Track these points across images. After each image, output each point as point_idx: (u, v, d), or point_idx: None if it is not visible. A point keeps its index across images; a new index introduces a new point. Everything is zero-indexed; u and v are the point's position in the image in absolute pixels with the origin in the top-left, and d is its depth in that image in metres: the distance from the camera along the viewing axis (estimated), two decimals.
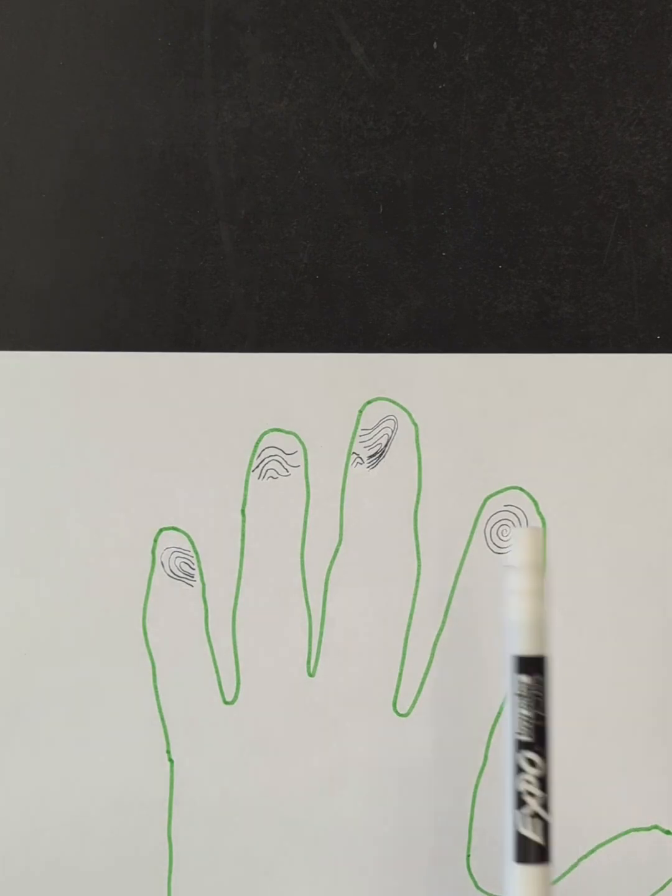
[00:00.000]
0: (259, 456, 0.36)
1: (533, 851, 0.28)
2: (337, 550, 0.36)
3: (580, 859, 0.35)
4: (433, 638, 0.36)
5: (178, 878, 0.35)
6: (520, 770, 0.28)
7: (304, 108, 0.37)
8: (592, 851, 0.35)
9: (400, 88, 0.38)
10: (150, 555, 0.36)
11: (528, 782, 0.28)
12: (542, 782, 0.28)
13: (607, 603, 0.36)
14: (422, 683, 0.36)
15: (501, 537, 0.36)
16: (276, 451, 0.36)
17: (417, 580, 0.36)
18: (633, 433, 0.36)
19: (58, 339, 0.37)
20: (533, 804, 0.28)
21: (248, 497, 0.36)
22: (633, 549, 0.36)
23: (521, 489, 0.36)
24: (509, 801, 0.29)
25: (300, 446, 0.36)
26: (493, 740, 0.35)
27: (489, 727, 0.35)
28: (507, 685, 0.29)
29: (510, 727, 0.29)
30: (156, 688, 0.36)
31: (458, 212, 0.37)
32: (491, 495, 0.36)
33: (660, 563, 0.36)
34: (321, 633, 0.36)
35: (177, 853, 0.35)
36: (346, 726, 0.35)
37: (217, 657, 0.36)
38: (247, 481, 0.36)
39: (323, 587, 0.36)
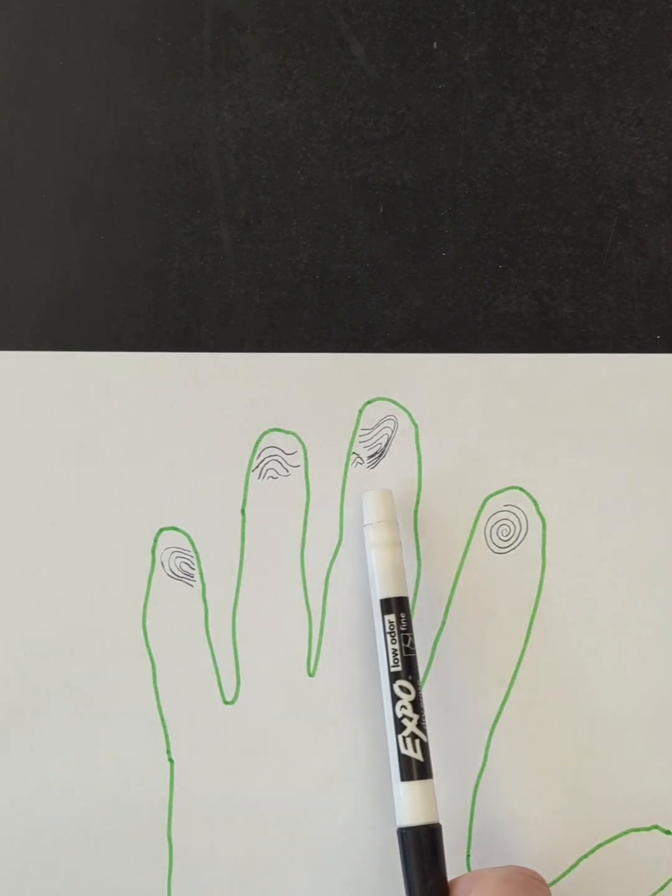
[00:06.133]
0: (259, 456, 0.36)
1: (415, 768, 0.32)
2: (337, 550, 0.36)
3: (580, 859, 0.35)
4: (433, 638, 0.36)
5: (178, 878, 0.35)
6: (396, 698, 0.32)
7: (304, 108, 0.37)
8: (592, 851, 0.35)
9: (400, 88, 0.38)
10: (150, 555, 0.36)
11: (404, 707, 0.32)
12: (415, 705, 0.32)
13: (607, 603, 0.36)
14: (422, 683, 0.35)
15: (501, 537, 0.36)
16: (276, 451, 0.36)
17: (417, 580, 0.36)
18: (633, 433, 0.36)
19: (58, 339, 0.37)
20: (410, 726, 0.32)
21: (248, 497, 0.36)
22: (633, 549, 0.36)
23: (521, 489, 0.36)
24: (390, 727, 0.32)
25: (300, 446, 0.36)
26: (493, 740, 0.35)
27: (489, 727, 0.35)
28: (376, 628, 0.34)
29: (383, 662, 0.33)
30: (156, 688, 0.36)
31: (458, 212, 0.37)
32: (491, 495, 0.36)
33: (660, 563, 0.36)
34: (321, 633, 0.36)
35: (177, 853, 0.35)
36: (346, 726, 0.35)
37: (217, 657, 0.36)
38: (247, 481, 0.36)
39: (323, 587, 0.36)
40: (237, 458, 0.36)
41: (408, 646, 0.33)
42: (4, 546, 0.36)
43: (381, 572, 0.34)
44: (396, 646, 0.33)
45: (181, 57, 0.38)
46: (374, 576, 0.34)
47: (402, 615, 0.33)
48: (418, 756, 0.32)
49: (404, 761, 0.32)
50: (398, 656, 0.33)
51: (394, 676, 0.33)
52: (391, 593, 0.33)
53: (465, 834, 0.35)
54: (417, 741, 0.32)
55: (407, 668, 0.33)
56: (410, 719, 0.32)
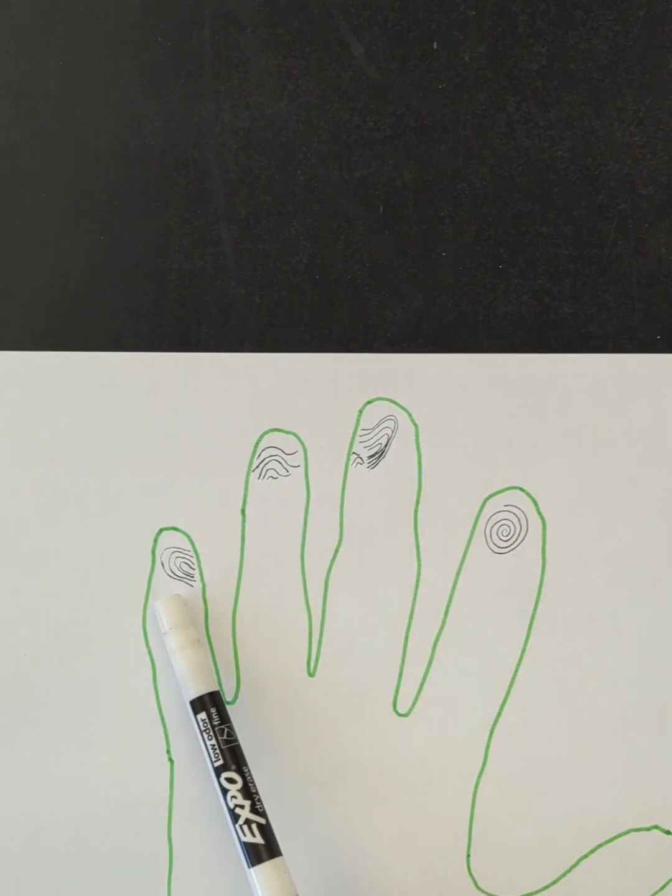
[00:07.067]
0: (259, 456, 0.36)
1: (261, 852, 0.32)
2: (337, 550, 0.36)
3: (580, 859, 0.35)
4: (433, 638, 0.36)
5: (178, 878, 0.35)
6: (225, 790, 0.33)
7: (304, 108, 0.37)
8: (592, 851, 0.35)
9: (400, 88, 0.38)
10: (150, 555, 0.36)
11: (234, 797, 0.33)
12: (246, 792, 0.33)
13: (607, 603, 0.36)
14: (422, 683, 0.36)
15: (501, 537, 0.36)
16: (276, 451, 0.36)
17: (417, 580, 0.36)
18: (633, 433, 0.36)
19: (58, 339, 0.37)
20: (244, 813, 0.32)
21: (248, 497, 0.36)
22: (633, 549, 0.36)
23: (521, 489, 0.36)
24: (228, 818, 0.33)
25: (300, 446, 0.36)
26: (493, 740, 0.35)
27: (489, 727, 0.35)
28: (194, 726, 0.34)
29: (206, 758, 0.33)
30: (156, 688, 0.36)
31: (458, 212, 0.37)
32: (491, 495, 0.36)
33: (660, 563, 0.36)
34: (321, 633, 0.36)
35: (177, 853, 0.35)
36: (346, 726, 0.35)
37: (217, 657, 0.36)
38: (247, 481, 0.36)
39: (323, 587, 0.36)
40: (237, 458, 0.36)
41: (226, 737, 0.33)
42: (4, 546, 0.36)
43: (187, 674, 0.34)
44: (214, 741, 0.33)
45: (181, 57, 0.38)
46: (181, 679, 0.34)
47: (214, 709, 0.34)
48: (259, 840, 0.32)
49: (249, 848, 0.32)
50: (219, 750, 0.33)
51: (219, 771, 0.33)
52: (200, 691, 0.34)
53: (465, 834, 0.35)
54: (255, 825, 0.32)
55: (230, 759, 0.33)
56: (242, 807, 0.32)
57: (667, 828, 0.35)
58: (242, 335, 0.37)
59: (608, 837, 0.35)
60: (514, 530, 0.36)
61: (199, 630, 0.35)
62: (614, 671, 0.36)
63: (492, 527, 0.36)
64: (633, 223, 0.37)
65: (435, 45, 0.38)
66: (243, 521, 0.36)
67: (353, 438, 0.36)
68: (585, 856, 0.35)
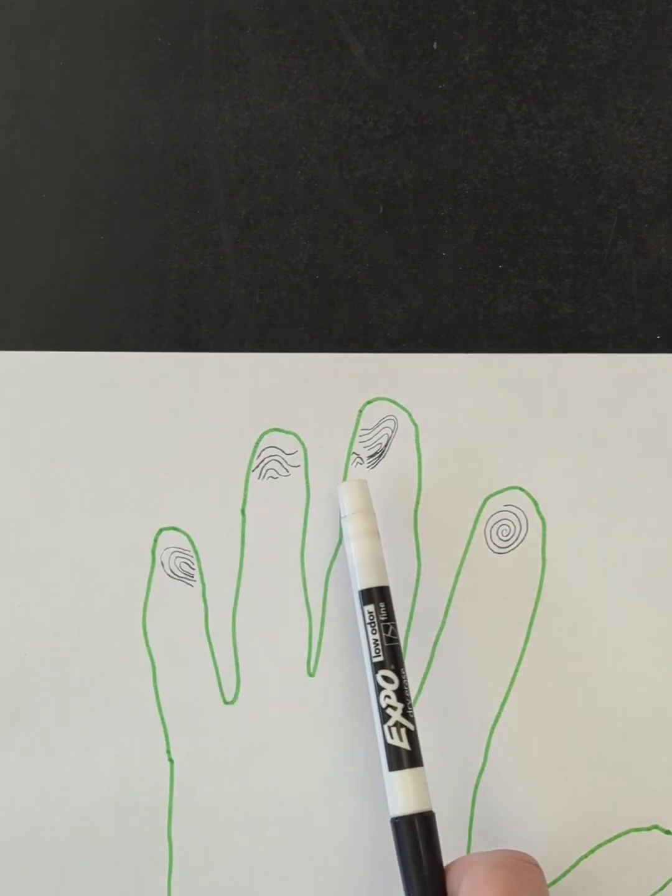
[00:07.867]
0: (259, 456, 0.36)
1: (404, 757, 0.32)
2: (337, 550, 0.36)
3: (580, 859, 0.35)
4: (433, 638, 0.36)
5: (178, 878, 0.35)
6: (379, 688, 0.32)
7: (304, 108, 0.37)
8: (592, 851, 0.35)
9: (400, 88, 0.38)
10: (150, 555, 0.36)
11: (388, 697, 0.32)
12: (400, 694, 0.32)
13: (607, 603, 0.36)
14: (422, 683, 0.36)
15: (501, 537, 0.36)
16: (276, 451, 0.36)
17: (417, 580, 0.36)
18: (633, 433, 0.36)
19: (58, 339, 0.37)
20: (395, 715, 0.32)
21: (248, 497, 0.36)
22: (633, 549, 0.36)
23: (521, 489, 0.36)
24: (376, 718, 0.32)
25: (300, 446, 0.36)
26: (493, 740, 0.35)
27: (489, 727, 0.35)
28: (358, 619, 0.33)
29: (366, 653, 0.33)
30: (156, 688, 0.36)
31: (458, 212, 0.37)
32: (491, 495, 0.36)
33: (660, 562, 0.36)
34: (321, 633, 0.36)
35: (177, 853, 0.35)
36: (345, 726, 0.35)
37: (217, 657, 0.36)
38: (247, 481, 0.36)
39: (323, 587, 0.36)
40: (237, 458, 0.36)
41: (389, 635, 0.33)
42: (4, 546, 0.36)
43: (359, 563, 0.34)
44: (377, 636, 0.33)
45: (181, 57, 0.38)
46: (353, 567, 0.34)
47: (383, 604, 0.33)
48: (405, 745, 0.32)
49: (392, 751, 0.32)
50: (380, 646, 0.33)
51: (376, 667, 0.32)
52: (371, 583, 0.33)
53: (465, 834, 0.35)
54: (403, 730, 0.32)
55: (390, 658, 0.32)
56: (395, 708, 0.32)
57: (667, 828, 0.35)
58: (242, 335, 0.37)
59: (608, 837, 0.35)
60: (514, 530, 0.36)
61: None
62: (614, 671, 0.36)
63: (492, 527, 0.36)
64: (633, 223, 0.37)
65: (435, 45, 0.38)
66: (243, 521, 0.36)
67: (353, 438, 0.36)
68: (585, 856, 0.35)
